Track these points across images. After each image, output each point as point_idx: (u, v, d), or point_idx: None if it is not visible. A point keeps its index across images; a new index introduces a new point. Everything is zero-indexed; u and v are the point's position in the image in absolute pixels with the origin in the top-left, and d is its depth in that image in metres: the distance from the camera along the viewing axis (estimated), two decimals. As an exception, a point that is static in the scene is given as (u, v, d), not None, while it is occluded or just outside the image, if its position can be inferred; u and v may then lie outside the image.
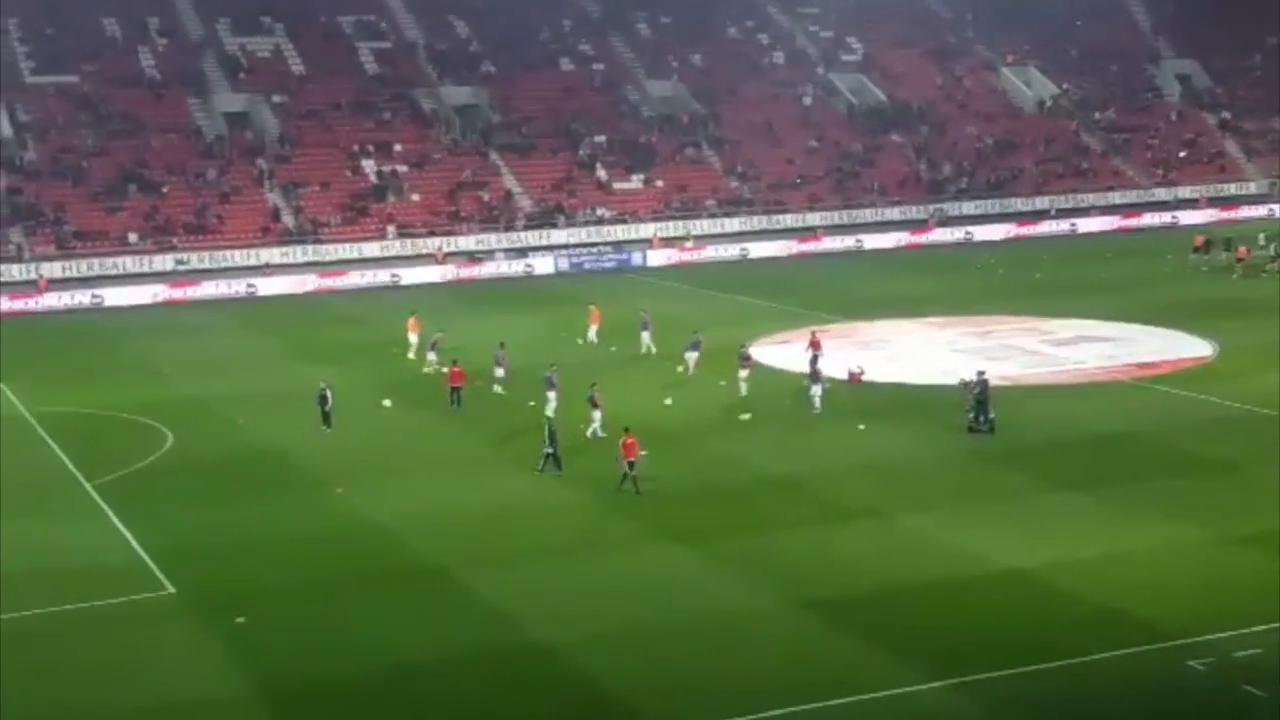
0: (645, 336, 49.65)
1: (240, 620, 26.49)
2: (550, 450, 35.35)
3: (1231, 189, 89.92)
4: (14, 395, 46.16)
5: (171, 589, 28.27)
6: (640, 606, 26.84)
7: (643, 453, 36.83)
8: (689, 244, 76.93)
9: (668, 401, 41.81)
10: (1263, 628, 24.66)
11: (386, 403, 43.23)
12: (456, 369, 43.13)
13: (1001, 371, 46.38)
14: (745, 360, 43.73)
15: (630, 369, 47.64)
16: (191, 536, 31.48)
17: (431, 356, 47.37)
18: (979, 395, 38.15)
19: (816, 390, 40.98)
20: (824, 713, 22.43)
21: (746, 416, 40.71)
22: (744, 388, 42.95)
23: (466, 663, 24.56)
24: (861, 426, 39.05)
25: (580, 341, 51.78)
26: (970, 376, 39.26)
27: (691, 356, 46.97)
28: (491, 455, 37.63)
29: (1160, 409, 40.96)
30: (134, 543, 31.04)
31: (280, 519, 32.81)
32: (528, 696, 23.44)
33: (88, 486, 35.41)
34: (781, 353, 48.51)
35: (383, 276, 71.16)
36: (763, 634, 25.50)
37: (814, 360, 43.02)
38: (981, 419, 37.94)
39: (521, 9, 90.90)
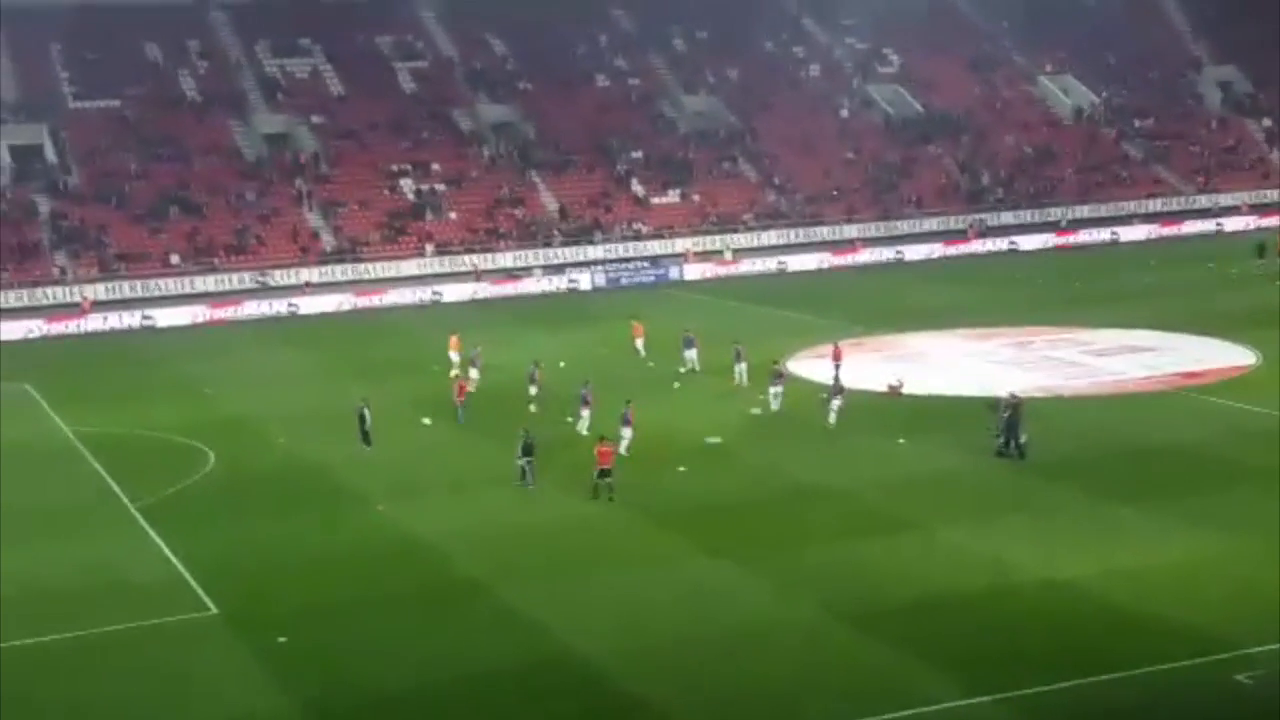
0: (690, 355, 49.56)
1: (282, 639, 26.61)
2: (525, 460, 35.64)
3: (1273, 195, 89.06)
4: (58, 416, 46.62)
5: (214, 608, 28.43)
6: (677, 619, 26.81)
7: (681, 468, 36.88)
8: (727, 257, 76.89)
9: (711, 438, 40.43)
10: (1311, 640, 24.38)
11: (426, 420, 43.39)
12: (461, 383, 43.58)
13: (1042, 382, 46.22)
14: (778, 377, 43.55)
15: (667, 385, 47.60)
16: (233, 556, 31.66)
17: (473, 373, 47.55)
18: (1010, 418, 36.23)
19: (836, 403, 40.74)
20: (865, 728, 22.32)
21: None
22: (775, 404, 42.81)
23: (507, 677, 24.59)
24: (901, 440, 38.86)
25: (630, 357, 51.65)
26: (1002, 395, 37.60)
27: (690, 355, 48.43)
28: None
29: (1202, 419, 40.58)
30: (176, 562, 31.25)
31: (322, 537, 32.97)
32: (568, 709, 23.45)
33: (130, 507, 35.70)
34: (819, 366, 48.39)
35: (422, 294, 71.49)
36: (799, 646, 25.41)
37: (837, 371, 43.01)
38: (1012, 444, 36.12)
39: (557, 26, 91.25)
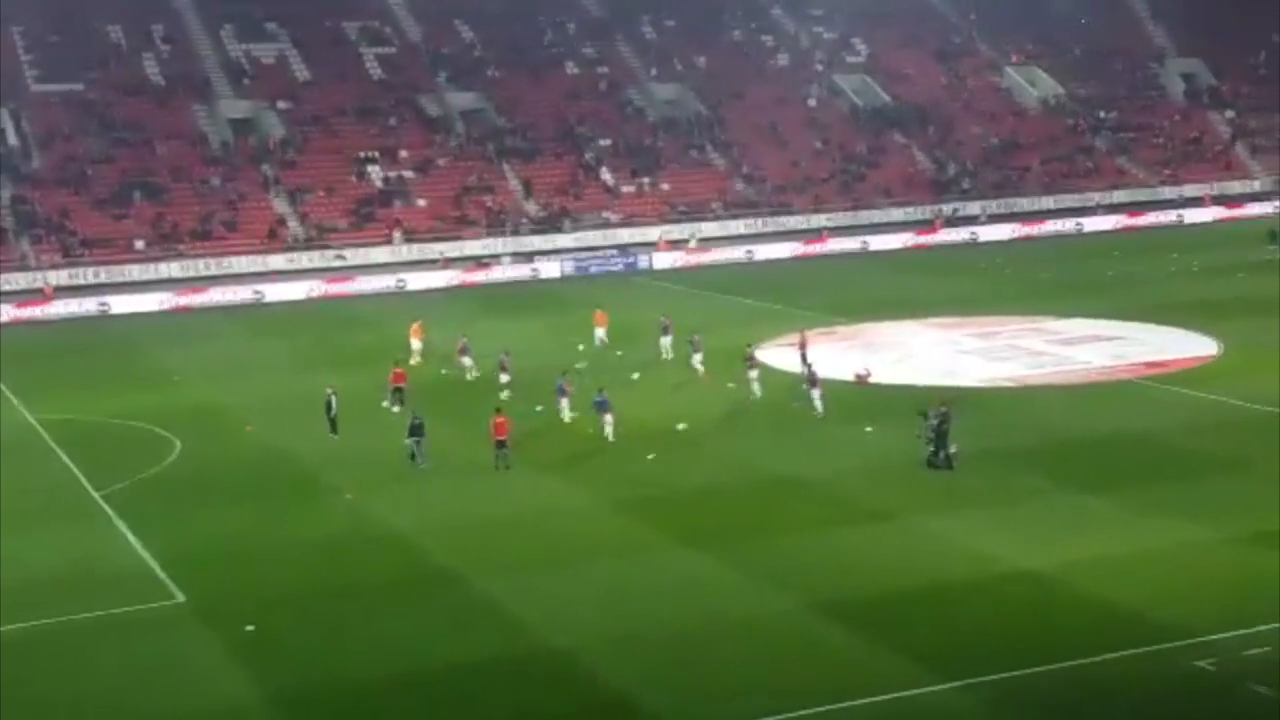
0: (665, 342, 49.56)
1: (250, 628, 26.52)
2: (414, 440, 36.71)
3: (1237, 187, 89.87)
4: (21, 404, 46.26)
5: (181, 597, 28.31)
6: (654, 610, 26.86)
7: (650, 456, 36.96)
8: (693, 245, 76.96)
9: (680, 427, 40.49)
10: (1272, 626, 24.62)
11: (395, 409, 43.27)
12: (398, 370, 43.61)
13: (1008, 372, 46.52)
14: (751, 362, 43.72)
15: (639, 373, 47.65)
16: (201, 544, 31.52)
17: (466, 361, 47.40)
18: (939, 428, 34.75)
19: (817, 392, 40.89)
20: (838, 715, 22.44)
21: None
22: (757, 389, 42.93)
23: (481, 668, 24.57)
24: (869, 429, 39.04)
25: (581, 347, 51.60)
26: (931, 406, 35.57)
27: (665, 343, 48.79)
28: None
29: (1167, 408, 40.93)
30: (143, 551, 31.09)
31: (290, 525, 32.87)
32: (543, 701, 23.46)
33: (95, 495, 35.47)
34: (787, 355, 48.53)
35: (389, 282, 71.25)
36: (775, 636, 25.51)
37: (805, 360, 43.19)
38: (941, 454, 34.72)
39: (525, 13, 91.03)
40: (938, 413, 35.06)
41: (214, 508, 34.29)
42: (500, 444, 36.24)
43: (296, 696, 23.92)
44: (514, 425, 37.14)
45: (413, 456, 36.85)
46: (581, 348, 51.43)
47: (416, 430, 36.99)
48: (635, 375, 46.74)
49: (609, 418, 38.53)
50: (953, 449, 34.77)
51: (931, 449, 34.90)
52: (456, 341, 48.64)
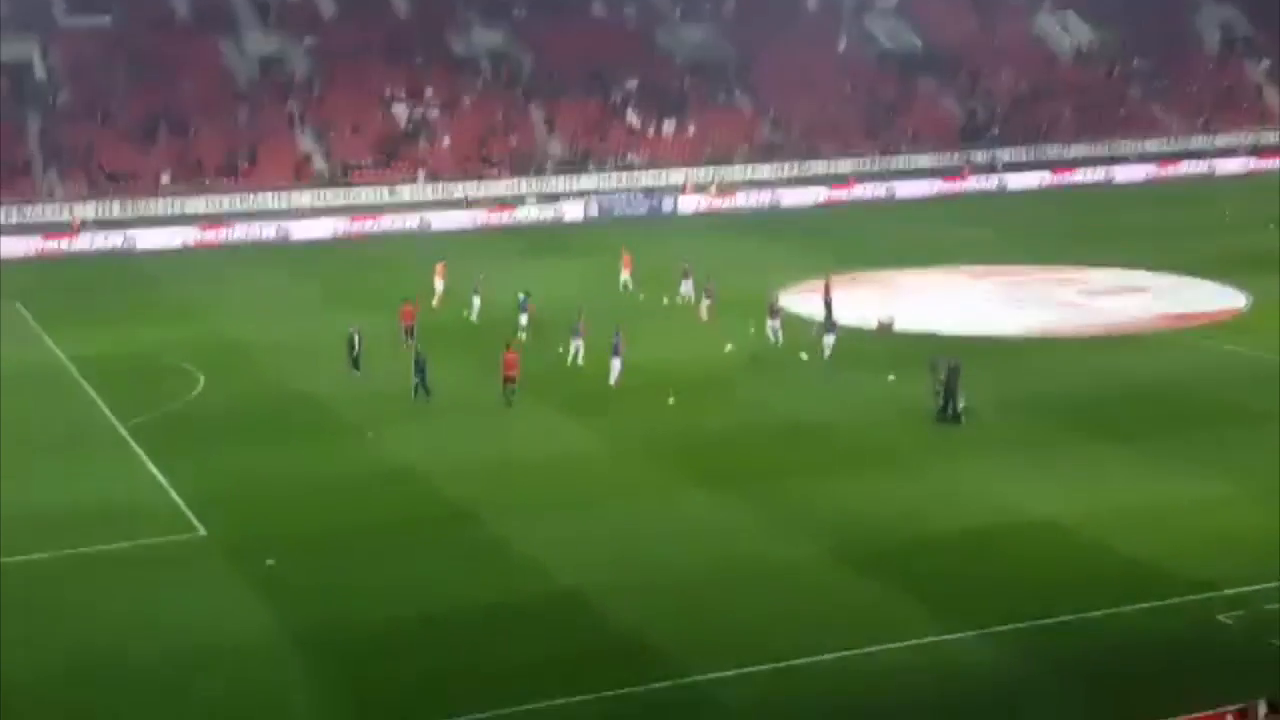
0: (686, 286, 49.41)
1: (271, 563, 26.70)
2: (418, 379, 37.48)
3: (1271, 138, 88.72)
4: (48, 337, 46.44)
5: (203, 531, 28.51)
6: (668, 552, 26.93)
7: (670, 400, 36.92)
8: (714, 190, 76.51)
9: (729, 347, 41.86)
10: (1294, 581, 24.57)
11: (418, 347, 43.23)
12: (408, 307, 43.33)
13: (1035, 321, 46.22)
14: (775, 311, 43.51)
15: (659, 318, 47.51)
16: (223, 479, 31.70)
17: (476, 301, 47.35)
18: (947, 381, 34.48)
19: (829, 339, 40.68)
20: (852, 661, 22.52)
21: (730, 347, 41.25)
22: (774, 336, 42.77)
23: (496, 608, 24.70)
24: (892, 377, 38.84)
25: (618, 289, 51.32)
26: (941, 358, 35.50)
27: (686, 287, 48.66)
28: (521, 402, 37.61)
29: (1195, 360, 40.66)
30: (166, 484, 31.29)
31: (311, 463, 33.00)
32: (557, 642, 23.58)
33: (121, 428, 35.68)
34: (810, 300, 48.29)
35: (413, 221, 71.09)
36: (793, 581, 25.56)
37: (829, 306, 42.96)
38: (950, 408, 34.45)
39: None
40: (948, 365, 34.69)
41: (236, 443, 34.44)
42: (509, 379, 36.78)
43: (314, 632, 24.12)
44: (531, 365, 37.13)
45: (416, 392, 37.46)
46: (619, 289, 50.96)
47: (420, 368, 37.70)
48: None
49: (616, 362, 38.43)
50: (961, 404, 34.40)
51: (940, 403, 34.56)
52: (473, 281, 48.54)
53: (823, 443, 33.58)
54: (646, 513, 29.23)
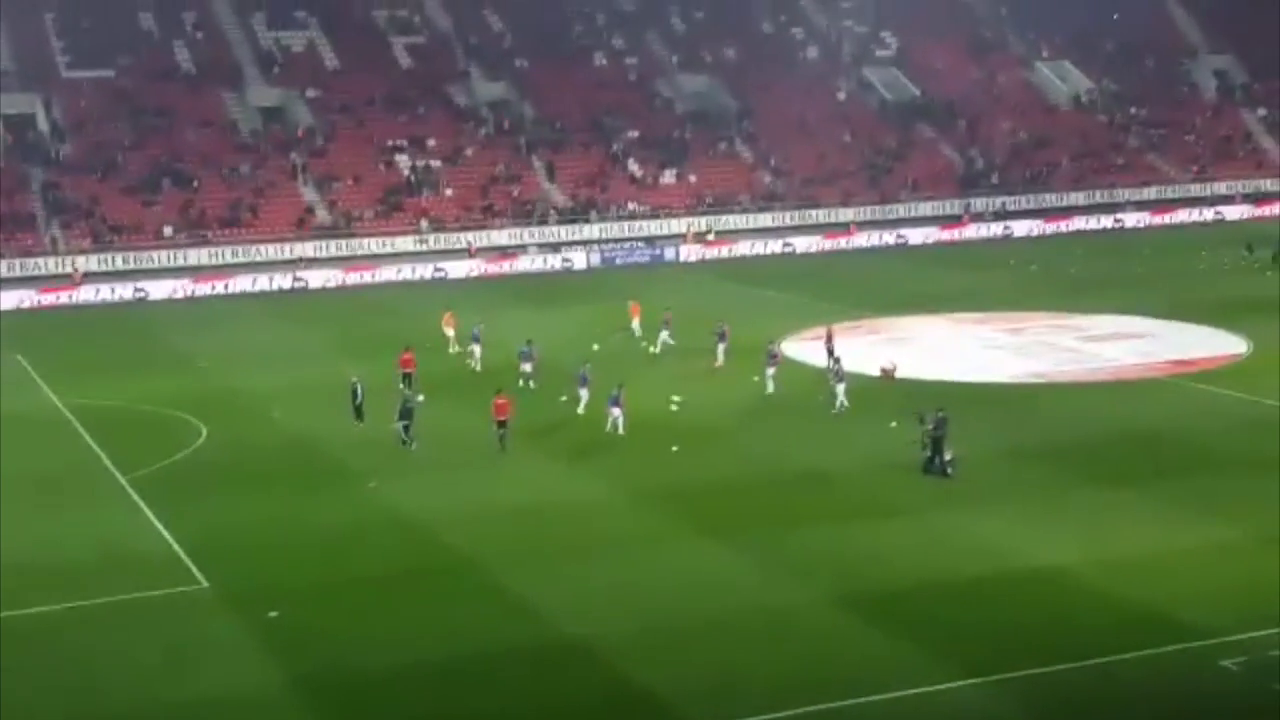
0: (664, 335, 49.64)
1: (273, 614, 26.63)
2: (401, 424, 37.78)
3: (1268, 184, 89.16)
4: (48, 387, 46.52)
5: (205, 583, 28.44)
6: (672, 602, 26.85)
7: (674, 448, 36.95)
8: (711, 238, 76.83)
9: (675, 400, 41.73)
10: (1298, 628, 24.50)
11: (420, 398, 43.33)
12: (406, 355, 44.00)
13: (1035, 368, 46.31)
14: (773, 358, 43.63)
15: (659, 365, 47.64)
16: (225, 530, 31.65)
17: (475, 349, 47.48)
18: (935, 433, 34.04)
19: (840, 389, 40.79)
20: (857, 710, 22.41)
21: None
22: (770, 385, 42.85)
23: (500, 658, 24.61)
24: (894, 424, 38.85)
25: (596, 347, 51.09)
26: (929, 411, 34.98)
27: (663, 336, 49.13)
28: (524, 450, 37.67)
29: (1195, 406, 40.69)
30: (168, 536, 31.24)
31: (314, 513, 32.96)
32: (561, 693, 23.48)
33: (122, 480, 35.66)
34: (812, 348, 48.43)
35: (416, 271, 71.37)
36: (795, 629, 25.47)
37: (833, 355, 43.10)
38: (937, 460, 33.98)
39: (554, 3, 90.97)
40: (935, 418, 34.43)
41: (239, 494, 34.43)
42: (501, 424, 37.17)
43: (318, 683, 24.00)
44: (536, 414, 37.14)
45: (400, 439, 37.62)
46: (597, 347, 50.31)
47: (406, 414, 37.84)
48: (653, 349, 46.61)
49: (616, 411, 38.40)
50: (948, 455, 34.03)
51: (928, 454, 34.20)
52: (472, 329, 48.67)
53: (826, 490, 33.55)
54: (647, 561, 29.18)
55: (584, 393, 40.73)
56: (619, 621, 25.96)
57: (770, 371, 43.04)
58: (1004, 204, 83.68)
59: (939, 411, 34.76)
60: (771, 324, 51.21)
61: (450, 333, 50.67)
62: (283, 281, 69.22)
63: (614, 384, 39.33)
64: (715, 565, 28.74)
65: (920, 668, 23.64)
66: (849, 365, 42.88)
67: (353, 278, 70.32)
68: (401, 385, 42.83)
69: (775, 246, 77.03)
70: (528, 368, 44.62)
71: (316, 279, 69.31)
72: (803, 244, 77.38)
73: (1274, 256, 66.14)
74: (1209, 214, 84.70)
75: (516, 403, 38.73)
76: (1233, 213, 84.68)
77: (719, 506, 32.42)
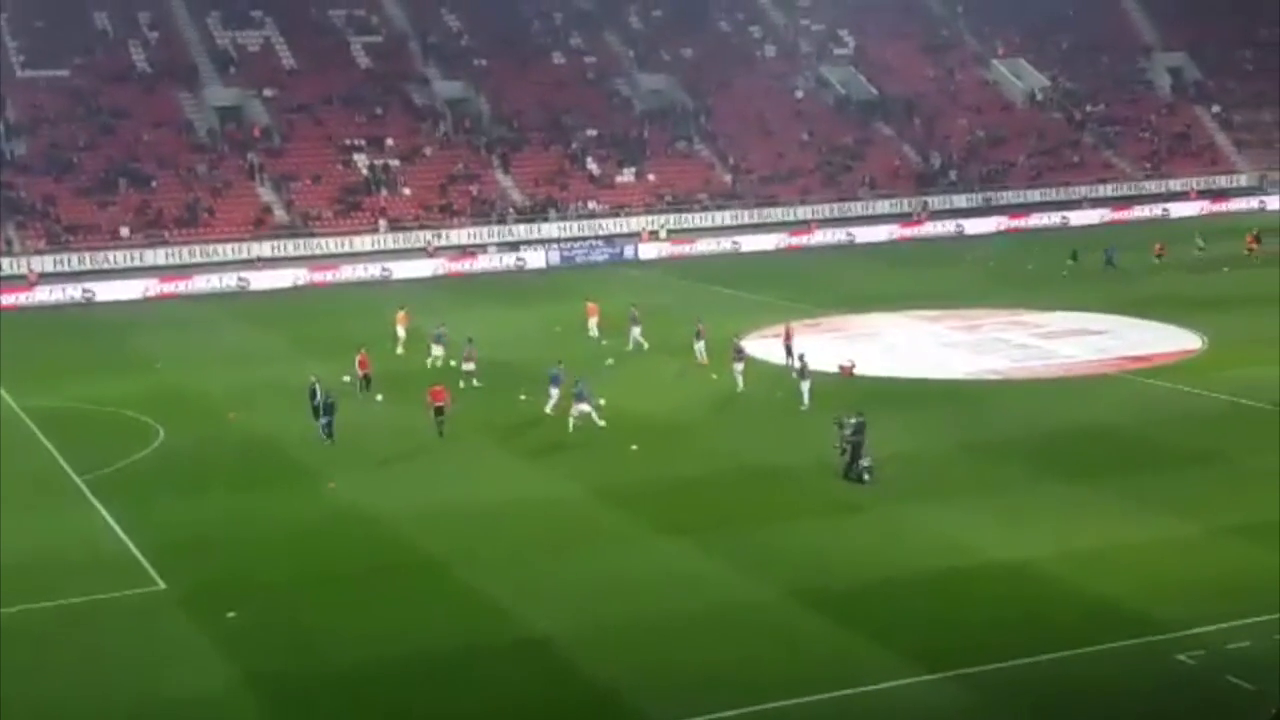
0: (635, 332, 49.67)
1: (232, 615, 26.49)
2: (325, 421, 37.94)
3: (1222, 181, 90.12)
4: (4, 390, 46.06)
5: (162, 584, 28.25)
6: (636, 600, 26.87)
7: (633, 447, 37.00)
8: (663, 236, 76.96)
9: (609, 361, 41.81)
10: (1252, 620, 24.73)
11: (379, 398, 43.21)
12: (362, 356, 43.92)
13: (991, 364, 46.62)
14: (739, 354, 43.77)
15: (617, 364, 47.68)
16: (183, 531, 31.45)
17: (437, 350, 47.35)
18: (853, 438, 33.20)
19: (805, 386, 40.94)
20: (820, 705, 22.50)
21: (610, 362, 42.36)
22: (740, 381, 42.97)
23: (461, 657, 24.57)
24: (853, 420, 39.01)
25: (558, 328, 51.45)
26: (847, 416, 34.13)
27: (635, 333, 49.17)
28: (482, 448, 37.62)
29: (1150, 402, 41.06)
30: (125, 538, 31.01)
31: (272, 514, 32.80)
32: (524, 691, 23.44)
33: (78, 481, 35.38)
34: (772, 346, 48.57)
35: (374, 270, 71.12)
36: (759, 626, 25.54)
37: (791, 352, 43.24)
38: (855, 466, 33.16)
39: (512, 2, 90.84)
40: (851, 423, 33.66)
41: (196, 495, 34.22)
42: (439, 410, 37.81)
43: (277, 684, 23.89)
44: (494, 412, 37.05)
45: (323, 434, 37.88)
46: (610, 361, 50.11)
47: (328, 409, 38.02)
48: (609, 361, 46.55)
49: (584, 407, 38.44)
50: (865, 462, 33.10)
51: (846, 459, 33.41)
52: (432, 330, 48.52)
53: (786, 487, 33.65)
54: (611, 558, 29.20)
55: (554, 392, 40.65)
56: (580, 619, 25.96)
57: (739, 368, 43.13)
58: (961, 202, 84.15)
59: (857, 416, 33.97)
60: (732, 322, 51.32)
61: (402, 333, 50.47)
62: (239, 282, 68.81)
63: (574, 382, 39.36)
64: (679, 563, 28.78)
65: (882, 663, 23.76)
66: (808, 363, 43.01)
67: (311, 276, 69.96)
68: (358, 386, 42.76)
69: (733, 244, 77.19)
70: (469, 367, 44.55)
71: (266, 280, 68.79)
72: (762, 242, 77.59)
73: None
74: (1163, 210, 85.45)
75: (476, 401, 38.62)
76: (1187, 209, 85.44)
77: (683, 504, 32.46)
